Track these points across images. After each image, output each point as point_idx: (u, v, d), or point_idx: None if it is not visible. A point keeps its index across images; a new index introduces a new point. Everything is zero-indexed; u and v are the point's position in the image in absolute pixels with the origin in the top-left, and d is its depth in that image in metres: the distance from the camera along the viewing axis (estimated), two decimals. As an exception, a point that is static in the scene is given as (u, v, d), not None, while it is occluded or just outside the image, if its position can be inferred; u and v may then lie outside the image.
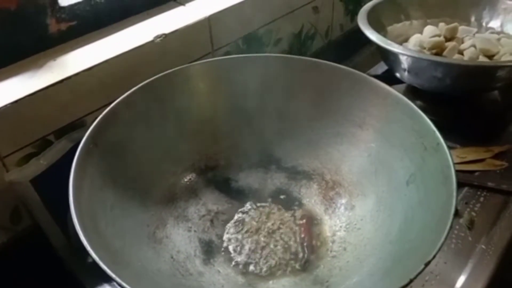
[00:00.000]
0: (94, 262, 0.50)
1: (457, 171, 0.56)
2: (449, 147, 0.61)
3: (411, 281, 0.30)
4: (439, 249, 0.32)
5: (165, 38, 0.54)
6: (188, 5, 0.61)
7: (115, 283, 0.46)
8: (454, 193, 0.36)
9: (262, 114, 0.53)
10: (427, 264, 0.31)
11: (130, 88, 0.46)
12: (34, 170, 0.46)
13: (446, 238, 0.32)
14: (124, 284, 0.30)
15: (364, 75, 0.48)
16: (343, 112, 0.50)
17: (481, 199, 0.53)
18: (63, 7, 0.51)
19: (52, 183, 0.43)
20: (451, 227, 0.33)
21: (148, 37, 0.53)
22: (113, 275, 0.31)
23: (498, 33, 0.71)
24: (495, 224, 0.50)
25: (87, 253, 0.49)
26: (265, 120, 0.53)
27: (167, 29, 0.54)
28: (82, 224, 0.34)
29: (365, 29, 0.65)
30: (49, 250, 0.49)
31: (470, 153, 0.59)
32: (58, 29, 0.52)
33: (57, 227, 0.49)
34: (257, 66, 0.52)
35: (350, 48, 0.85)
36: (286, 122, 0.53)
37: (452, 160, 0.39)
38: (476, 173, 0.56)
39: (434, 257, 0.31)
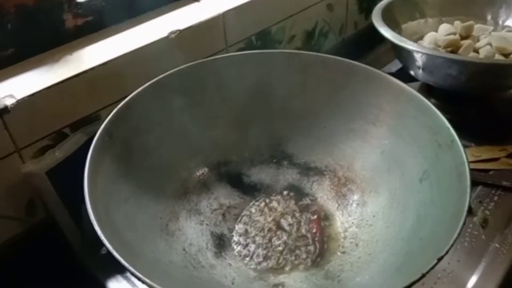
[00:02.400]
0: (107, 254, 0.50)
1: (471, 170, 0.56)
2: (464, 146, 0.61)
3: (423, 275, 0.30)
4: (452, 245, 0.31)
5: (180, 34, 0.54)
6: (203, 1, 0.61)
7: (128, 275, 0.47)
8: (468, 190, 0.35)
9: (275, 110, 0.53)
10: (439, 260, 0.31)
11: (145, 83, 0.47)
12: (50, 162, 0.46)
13: (459, 234, 0.32)
14: (138, 274, 0.31)
15: (378, 71, 0.48)
16: (356, 109, 0.50)
17: (495, 198, 0.52)
18: (80, 3, 0.52)
19: (67, 176, 0.43)
20: (464, 223, 0.33)
21: (163, 33, 0.54)
22: (127, 265, 0.31)
23: (514, 31, 0.70)
24: (509, 223, 0.49)
25: (100, 245, 0.50)
26: (278, 116, 0.53)
27: (182, 25, 0.55)
28: (97, 215, 0.35)
29: (379, 26, 0.65)
30: (63, 242, 0.50)
31: (485, 152, 0.58)
32: (75, 24, 0.53)
33: (71, 219, 0.49)
34: (272, 62, 0.52)
35: (364, 46, 0.85)
36: (299, 118, 0.53)
37: (467, 157, 0.38)
38: (491, 172, 0.56)
39: (447, 252, 0.31)
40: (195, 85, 0.50)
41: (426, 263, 0.31)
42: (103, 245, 0.50)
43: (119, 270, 0.48)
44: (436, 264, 0.30)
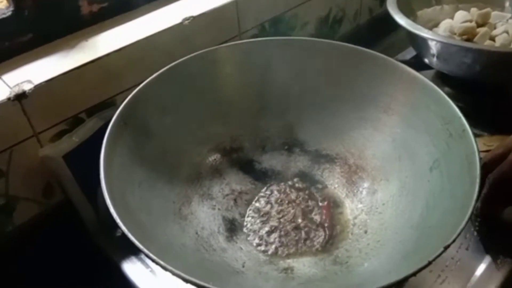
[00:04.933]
0: (122, 236, 0.51)
1: (481, 159, 0.56)
2: (476, 135, 0.61)
3: (429, 263, 0.30)
4: (459, 234, 0.32)
5: (193, 20, 0.55)
6: (216, -13, 0.61)
7: (142, 257, 0.48)
8: (478, 180, 0.35)
9: (287, 97, 0.53)
10: (446, 248, 0.31)
11: (159, 69, 0.48)
12: (67, 147, 0.48)
13: (466, 223, 0.32)
14: (151, 255, 0.32)
15: (391, 59, 0.48)
16: (368, 97, 0.50)
17: (506, 187, 0.52)
18: (95, -11, 0.53)
19: (83, 160, 0.44)
20: (472, 212, 0.33)
21: (177, 19, 0.54)
22: (141, 247, 0.32)
23: (533, 19, 0.69)
24: (519, 213, 0.49)
25: (115, 228, 0.51)
26: (290, 104, 0.53)
27: (195, 12, 0.55)
28: (112, 198, 0.36)
29: (394, 13, 0.64)
30: (79, 225, 0.51)
31: (497, 142, 0.58)
32: (90, 11, 0.53)
33: (87, 202, 0.51)
34: (283, 49, 0.52)
35: (379, 32, 0.84)
36: (311, 106, 0.53)
37: (477, 146, 0.38)
38: (503, 162, 0.55)
39: (453, 241, 0.31)
40: (208, 72, 0.51)
41: (433, 250, 0.32)
42: (118, 227, 0.51)
43: (133, 252, 0.49)
44: (442, 252, 0.31)
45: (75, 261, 0.52)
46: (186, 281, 0.31)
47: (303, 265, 0.42)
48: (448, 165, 0.41)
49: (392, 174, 0.47)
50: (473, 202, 0.34)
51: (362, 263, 0.41)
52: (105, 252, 0.50)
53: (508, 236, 0.46)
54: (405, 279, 0.30)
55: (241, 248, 0.44)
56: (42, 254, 0.51)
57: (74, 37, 0.52)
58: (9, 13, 0.47)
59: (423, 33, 0.60)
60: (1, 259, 0.48)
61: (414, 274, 0.30)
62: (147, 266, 0.48)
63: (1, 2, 0.49)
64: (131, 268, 0.48)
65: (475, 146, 0.38)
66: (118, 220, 0.34)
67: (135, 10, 0.57)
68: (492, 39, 0.66)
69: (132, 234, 0.33)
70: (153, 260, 0.32)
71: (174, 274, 0.31)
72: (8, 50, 0.48)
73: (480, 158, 0.38)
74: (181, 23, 0.54)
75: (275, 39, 0.54)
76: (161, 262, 0.31)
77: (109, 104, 0.51)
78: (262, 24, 0.63)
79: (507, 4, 0.73)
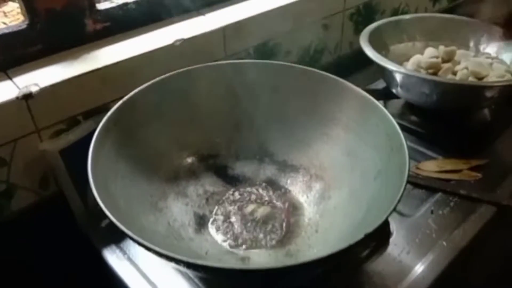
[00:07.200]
0: (105, 227, 0.58)
1: (434, 179, 0.62)
2: (432, 158, 0.67)
3: (350, 246, 0.36)
4: (377, 227, 0.38)
5: (184, 42, 0.62)
6: (207, 15, 0.69)
7: (120, 245, 0.54)
8: (403, 185, 0.42)
9: (262, 113, 0.60)
10: (366, 235, 0.37)
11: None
12: (63, 143, 0.54)
13: (386, 218, 0.39)
14: (133, 235, 0.37)
15: (348, 83, 0.55)
16: (330, 116, 0.57)
17: (452, 204, 0.58)
18: (100, 10, 0.61)
19: (77, 156, 0.51)
20: (393, 210, 0.39)
21: (169, 40, 0.62)
22: (122, 227, 0.37)
23: (492, 58, 0.77)
24: (459, 226, 0.55)
25: (100, 220, 0.57)
26: (264, 119, 0.60)
27: (186, 35, 0.63)
28: (96, 182, 0.42)
29: (365, 47, 0.72)
30: (69, 215, 0.57)
31: (450, 164, 0.64)
32: (94, 29, 0.61)
33: (77, 195, 0.57)
34: (260, 71, 0.59)
35: (358, 64, 0.91)
36: (282, 122, 0.60)
37: (409, 159, 0.45)
38: (452, 182, 0.61)
39: (374, 230, 0.37)
40: (191, 87, 0.58)
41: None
42: (103, 219, 0.57)
43: (114, 241, 0.55)
44: (362, 238, 0.37)
45: (62, 247, 0.57)
46: (163, 256, 0.36)
47: (259, 256, 0.48)
48: (387, 174, 0.47)
49: (344, 182, 0.53)
50: (395, 202, 0.40)
51: (308, 254, 0.47)
52: (90, 240, 0.56)
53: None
54: (328, 258, 0.36)
55: (207, 240, 0.50)
56: (33, 240, 0.57)
57: (79, 50, 0.59)
58: (24, 26, 0.55)
59: (388, 65, 0.67)
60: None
61: (336, 254, 0.36)
62: (124, 253, 0.53)
63: (18, 19, 0.56)
64: (111, 254, 0.54)
65: (407, 159, 0.45)
66: (99, 200, 0.40)
67: (134, 30, 0.64)
68: (455, 73, 0.74)
69: (112, 214, 0.39)
70: (131, 238, 0.37)
71: (157, 253, 0.36)
72: (21, 58, 0.56)
73: (409, 169, 0.44)
74: (172, 44, 0.62)
75: (253, 62, 0.61)
76: (141, 240, 0.37)
77: (104, 110, 0.57)
78: (247, 50, 0.71)
79: (471, 44, 0.81)
